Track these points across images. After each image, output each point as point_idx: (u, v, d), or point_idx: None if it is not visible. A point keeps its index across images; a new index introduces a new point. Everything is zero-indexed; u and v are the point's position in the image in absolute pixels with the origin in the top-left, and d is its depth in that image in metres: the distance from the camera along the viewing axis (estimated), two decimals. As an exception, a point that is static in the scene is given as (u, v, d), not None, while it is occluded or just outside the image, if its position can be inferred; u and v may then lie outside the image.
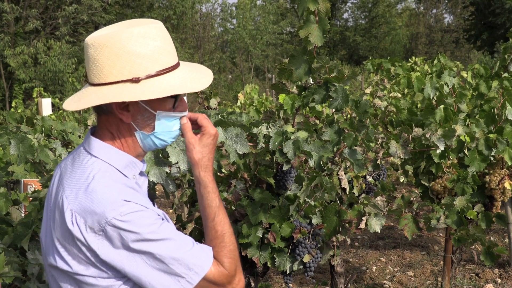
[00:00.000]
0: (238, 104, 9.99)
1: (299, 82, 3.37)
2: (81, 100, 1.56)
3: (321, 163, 3.00)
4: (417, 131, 3.77)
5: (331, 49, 40.76)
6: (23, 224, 2.34)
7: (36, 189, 2.81)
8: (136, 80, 1.52)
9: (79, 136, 3.73)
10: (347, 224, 3.42)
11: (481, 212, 3.86)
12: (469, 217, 3.79)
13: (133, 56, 1.52)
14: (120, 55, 1.51)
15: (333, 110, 3.36)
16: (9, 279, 2.05)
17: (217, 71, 33.16)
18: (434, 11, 39.63)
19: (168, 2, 33.03)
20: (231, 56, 36.45)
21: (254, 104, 9.54)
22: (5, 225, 2.47)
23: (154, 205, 1.63)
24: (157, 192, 8.32)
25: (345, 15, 43.66)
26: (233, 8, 38.01)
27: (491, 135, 3.90)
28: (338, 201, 3.79)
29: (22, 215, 2.70)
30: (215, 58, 33.57)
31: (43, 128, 3.73)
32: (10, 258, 2.14)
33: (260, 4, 38.48)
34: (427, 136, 3.73)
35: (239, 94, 10.35)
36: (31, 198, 2.57)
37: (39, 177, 2.82)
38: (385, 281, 6.04)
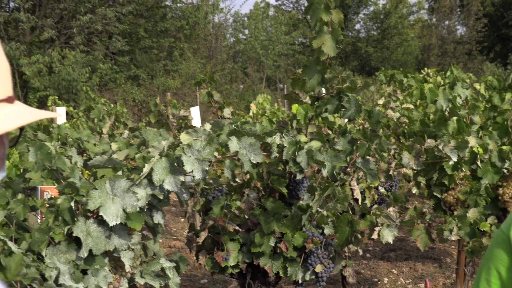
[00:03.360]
0: (250, 114, 10.01)
1: (312, 92, 3.40)
2: None
3: (334, 173, 3.02)
4: (430, 142, 3.78)
5: (343, 60, 40.76)
6: (40, 230, 2.38)
7: (53, 196, 2.85)
8: None
9: (94, 144, 3.77)
10: (359, 235, 3.43)
11: (495, 224, 3.86)
12: (482, 229, 3.79)
13: None
14: None
15: (346, 120, 3.38)
16: (28, 280, 2.09)
17: (229, 81, 33.23)
18: (447, 22, 39.54)
19: (181, 12, 33.19)
20: (243, 66, 36.53)
21: (267, 114, 9.57)
22: (23, 231, 2.51)
23: None
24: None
25: (357, 26, 43.69)
26: (246, 18, 38.14)
27: (504, 147, 3.90)
28: (351, 212, 3.81)
29: (39, 221, 2.74)
30: (227, 68, 33.64)
31: (59, 136, 3.78)
32: (28, 262, 2.17)
33: (272, 15, 38.57)
34: (440, 147, 3.74)
35: (251, 104, 10.38)
36: (47, 205, 2.61)
37: (56, 184, 2.86)
38: (396, 293, 6.03)
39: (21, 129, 1.39)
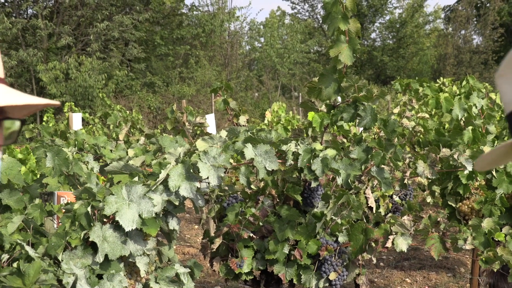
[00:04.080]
0: (265, 122, 10.04)
1: (328, 101, 3.41)
2: None
3: (349, 181, 3.03)
4: (445, 151, 3.78)
5: (358, 68, 40.72)
6: (57, 234, 2.40)
7: (69, 201, 2.88)
8: None
9: (111, 151, 3.80)
10: (373, 243, 3.43)
11: (510, 234, 3.84)
12: (496, 239, 3.77)
13: None
14: None
15: (361, 128, 3.39)
16: (46, 287, 2.11)
17: (244, 89, 33.30)
18: (463, 32, 39.39)
19: (197, 20, 33.36)
20: (258, 74, 36.61)
21: (282, 122, 9.58)
22: (40, 235, 2.54)
23: None
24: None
25: (373, 35, 43.61)
26: (261, 26, 38.23)
27: (519, 157, 3.88)
28: (365, 220, 3.81)
29: (55, 226, 2.77)
30: (242, 76, 33.74)
31: (76, 142, 3.82)
32: (45, 267, 2.20)
33: (288, 23, 38.65)
34: (455, 156, 3.73)
35: (266, 112, 10.41)
36: (64, 210, 2.64)
37: (72, 190, 2.89)
38: (410, 302, 6.00)
39: (22, 123, 1.39)
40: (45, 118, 11.10)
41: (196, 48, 32.46)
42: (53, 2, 27.41)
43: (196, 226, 10.04)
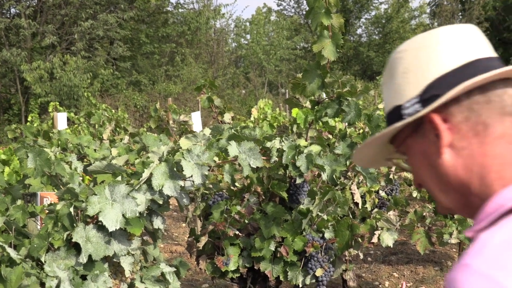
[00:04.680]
0: (252, 119, 10.03)
1: (312, 97, 3.40)
2: None
3: (334, 177, 3.02)
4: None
5: (344, 64, 40.81)
6: (39, 236, 2.38)
7: (52, 202, 2.85)
8: None
9: (95, 150, 3.77)
10: (359, 239, 3.43)
11: (495, 227, 3.85)
12: (482, 232, 3.79)
13: None
14: None
15: (346, 124, 3.38)
16: (28, 291, 2.08)
17: (231, 86, 33.26)
18: (448, 26, 39.46)
19: (182, 17, 33.27)
20: (244, 71, 36.58)
21: (268, 119, 9.58)
22: (22, 237, 2.50)
23: None
24: (170, 206, 8.36)
25: (359, 31, 43.72)
26: (247, 23, 38.19)
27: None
28: (351, 216, 3.80)
29: (39, 227, 2.74)
30: (229, 73, 33.69)
31: (59, 142, 3.78)
32: (28, 270, 2.17)
33: (274, 20, 38.63)
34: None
35: (253, 109, 10.40)
36: (47, 211, 2.61)
37: (55, 190, 2.86)
38: (398, 297, 6.01)
39: None
40: (29, 118, 11.01)
41: (182, 46, 32.38)
42: (36, 1, 27.22)
43: (184, 224, 10.02)
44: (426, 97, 1.10)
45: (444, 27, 1.16)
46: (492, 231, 0.93)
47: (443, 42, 1.13)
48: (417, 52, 1.14)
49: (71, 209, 2.41)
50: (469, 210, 1.10)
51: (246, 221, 3.36)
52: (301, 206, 3.33)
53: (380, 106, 5.24)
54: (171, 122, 4.22)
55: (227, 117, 4.13)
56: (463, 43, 1.13)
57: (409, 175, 6.69)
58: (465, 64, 1.10)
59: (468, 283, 0.85)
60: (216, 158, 2.86)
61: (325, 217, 3.31)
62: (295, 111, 3.61)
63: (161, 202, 2.55)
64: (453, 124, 1.08)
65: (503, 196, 0.99)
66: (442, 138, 1.08)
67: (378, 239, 3.48)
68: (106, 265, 2.50)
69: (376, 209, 3.75)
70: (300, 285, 3.31)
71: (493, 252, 0.88)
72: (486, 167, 1.04)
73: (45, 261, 2.33)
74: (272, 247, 3.28)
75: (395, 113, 1.16)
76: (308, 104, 3.57)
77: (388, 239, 3.47)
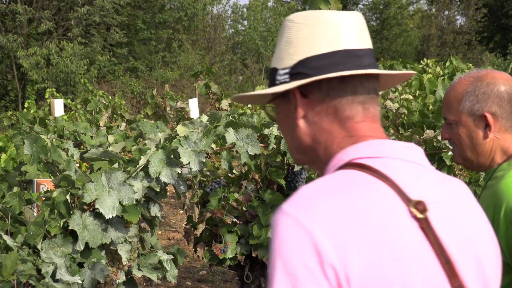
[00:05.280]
0: (249, 105, 9.99)
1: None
2: None
3: (332, 164, 3.00)
4: (429, 133, 3.76)
5: (342, 50, 40.59)
6: (36, 223, 2.36)
7: (49, 189, 2.84)
8: None
9: (91, 137, 3.75)
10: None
11: (493, 214, 3.84)
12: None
13: None
14: None
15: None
16: (25, 278, 2.07)
17: (228, 73, 33.17)
18: (446, 13, 39.43)
19: (179, 3, 33.09)
20: (242, 58, 36.48)
21: (265, 106, 9.53)
22: (18, 224, 2.49)
23: None
24: (168, 193, 8.39)
25: (357, 17, 43.46)
26: (244, 9, 38.04)
27: (503, 137, 3.88)
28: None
29: (35, 214, 2.72)
30: (226, 60, 33.59)
31: (56, 129, 3.76)
32: (24, 257, 2.15)
33: (271, 6, 38.48)
34: (439, 138, 3.72)
35: (250, 96, 10.34)
36: (43, 198, 2.59)
37: (52, 177, 2.84)
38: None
39: None
40: (26, 105, 10.96)
41: (179, 32, 32.25)
42: (32, -14, 27.05)
43: (181, 211, 10.02)
44: (294, 71, 1.23)
45: (329, 11, 1.25)
46: (314, 181, 1.12)
47: (323, 25, 1.22)
48: (300, 27, 1.24)
49: (68, 197, 2.39)
50: (316, 167, 1.31)
51: (244, 209, 3.35)
52: (299, 193, 3.32)
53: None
54: (168, 108, 4.19)
55: (225, 104, 4.11)
56: (340, 30, 1.23)
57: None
58: (335, 51, 1.21)
59: (279, 221, 1.04)
60: (213, 145, 2.84)
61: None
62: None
63: (158, 189, 2.54)
64: (310, 101, 1.24)
65: (342, 155, 1.19)
66: (298, 111, 1.25)
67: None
68: (103, 253, 2.49)
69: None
70: (298, 273, 3.31)
71: (301, 197, 1.07)
72: (330, 140, 1.23)
73: (41, 248, 2.32)
74: (270, 234, 3.26)
75: (273, 74, 1.28)
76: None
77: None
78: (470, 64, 8.46)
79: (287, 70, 1.25)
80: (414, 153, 1.21)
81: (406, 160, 1.18)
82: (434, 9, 40.74)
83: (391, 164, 1.15)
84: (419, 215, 1.07)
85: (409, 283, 1.02)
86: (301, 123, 1.26)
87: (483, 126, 1.89)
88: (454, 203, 1.18)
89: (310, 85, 1.22)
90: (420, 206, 1.07)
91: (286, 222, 1.04)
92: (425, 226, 1.07)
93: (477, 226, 1.19)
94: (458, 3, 39.58)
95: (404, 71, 1.30)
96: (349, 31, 1.23)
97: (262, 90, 1.30)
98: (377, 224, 1.03)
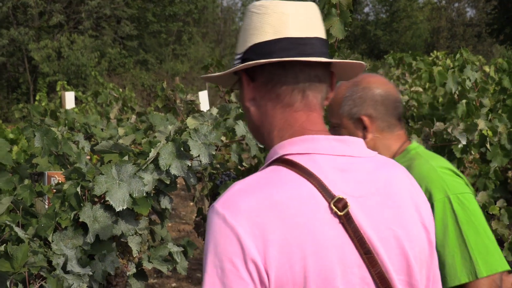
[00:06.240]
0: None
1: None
2: None
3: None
4: (439, 125, 3.75)
5: (351, 43, 40.53)
6: (47, 215, 2.38)
7: (60, 181, 2.86)
8: None
9: (102, 129, 3.76)
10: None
11: (504, 207, 3.83)
12: (491, 213, 3.77)
13: None
14: None
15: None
16: (36, 269, 2.09)
17: (238, 65, 33.13)
18: (456, 5, 39.22)
19: (189, -4, 33.09)
20: (252, 50, 36.41)
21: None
22: (30, 216, 2.51)
23: None
24: (178, 185, 8.39)
25: (366, 9, 43.46)
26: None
27: (513, 130, 3.87)
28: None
29: (46, 206, 2.74)
30: (236, 52, 33.55)
31: (67, 121, 3.78)
32: (36, 249, 2.17)
33: (281, -2, 38.35)
34: (449, 130, 3.71)
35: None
36: (54, 190, 2.61)
37: (63, 170, 2.86)
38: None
39: None
40: (37, 97, 11.01)
41: (189, 24, 32.24)
42: (43, -21, 27.10)
43: (191, 203, 10.05)
44: (244, 57, 1.31)
45: (282, 1, 1.31)
46: (245, 178, 1.21)
47: (270, 14, 1.29)
48: (252, 16, 1.33)
49: (78, 189, 2.41)
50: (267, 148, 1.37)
51: (254, 201, 3.35)
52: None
53: (389, 85, 5.21)
54: (178, 101, 4.20)
55: (235, 96, 4.11)
56: (285, 20, 1.28)
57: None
58: (279, 39, 1.27)
59: (211, 219, 1.15)
60: (223, 138, 2.84)
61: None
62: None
63: (168, 182, 2.54)
64: (257, 85, 1.32)
65: (278, 147, 1.26)
66: (245, 93, 1.34)
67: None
68: (113, 245, 2.50)
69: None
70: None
71: (228, 196, 1.16)
72: (272, 125, 1.31)
73: (52, 241, 2.34)
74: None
75: (235, 57, 1.37)
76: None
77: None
78: (480, 57, 8.40)
79: (240, 55, 1.34)
80: (347, 146, 1.27)
81: (337, 154, 1.24)
82: (444, 1, 40.50)
83: (320, 160, 1.21)
84: (339, 212, 1.14)
85: (328, 274, 1.11)
86: (250, 105, 1.34)
87: (362, 128, 2.02)
88: (381, 193, 1.23)
89: (255, 70, 1.31)
90: (339, 203, 1.15)
91: (216, 220, 1.14)
92: (345, 221, 1.14)
93: (405, 213, 1.25)
94: (469, -6, 39.31)
95: (351, 60, 1.35)
96: (295, 20, 1.29)
97: (218, 73, 1.41)
98: (297, 221, 1.11)
